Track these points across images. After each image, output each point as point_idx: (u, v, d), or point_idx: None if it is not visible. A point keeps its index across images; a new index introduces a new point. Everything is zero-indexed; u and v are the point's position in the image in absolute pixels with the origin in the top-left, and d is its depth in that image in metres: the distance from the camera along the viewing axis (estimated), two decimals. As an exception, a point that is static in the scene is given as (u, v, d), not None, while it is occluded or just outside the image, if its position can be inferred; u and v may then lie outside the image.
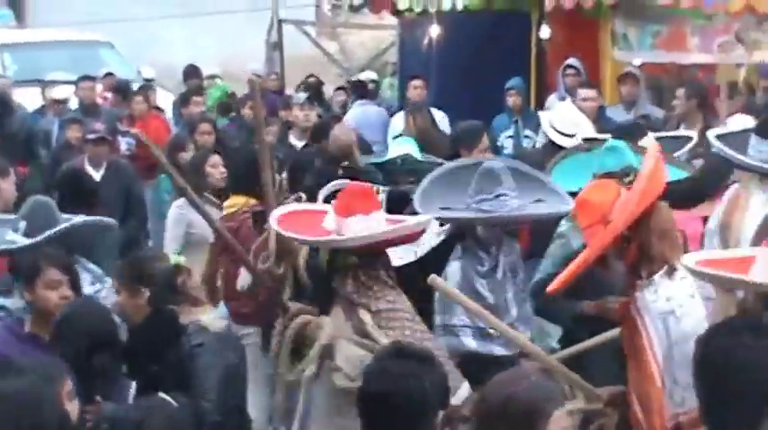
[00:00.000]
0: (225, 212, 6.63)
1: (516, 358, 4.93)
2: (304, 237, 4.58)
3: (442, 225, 5.65)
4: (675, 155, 6.81)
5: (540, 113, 8.49)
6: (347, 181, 5.34)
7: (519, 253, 5.73)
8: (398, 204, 5.83)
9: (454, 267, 5.44)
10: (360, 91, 12.85)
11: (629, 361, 4.29)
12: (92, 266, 5.40)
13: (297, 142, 10.00)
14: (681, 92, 9.56)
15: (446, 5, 11.57)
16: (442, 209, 5.52)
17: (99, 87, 13.13)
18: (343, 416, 4.37)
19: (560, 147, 7.09)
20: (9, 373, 3.12)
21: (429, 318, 5.20)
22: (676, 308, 4.14)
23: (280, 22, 17.19)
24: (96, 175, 8.98)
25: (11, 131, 11.69)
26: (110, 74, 13.96)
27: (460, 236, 5.57)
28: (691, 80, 10.40)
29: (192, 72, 14.84)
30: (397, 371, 3.18)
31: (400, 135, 8.32)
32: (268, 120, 9.84)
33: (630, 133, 6.84)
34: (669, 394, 4.08)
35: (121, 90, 12.83)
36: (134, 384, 4.45)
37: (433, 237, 5.39)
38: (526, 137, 10.35)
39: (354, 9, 13.57)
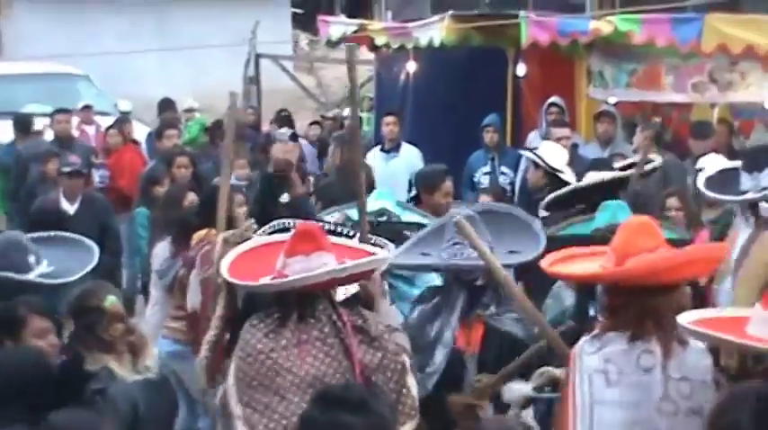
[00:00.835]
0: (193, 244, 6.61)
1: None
2: (245, 283, 4.45)
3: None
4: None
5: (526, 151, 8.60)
6: (289, 221, 5.17)
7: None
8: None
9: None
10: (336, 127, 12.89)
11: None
12: None
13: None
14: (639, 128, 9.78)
15: (423, 42, 11.62)
16: (422, 254, 5.39)
17: (75, 120, 13.10)
18: None
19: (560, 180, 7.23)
20: None
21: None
22: (611, 371, 3.82)
23: (257, 56, 17.24)
24: (70, 209, 8.97)
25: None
26: (87, 106, 13.95)
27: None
28: (644, 115, 10.51)
29: (166, 105, 14.84)
30: (327, 422, 3.01)
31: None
32: (240, 151, 9.85)
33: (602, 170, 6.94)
34: None
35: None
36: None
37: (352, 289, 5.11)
38: (503, 173, 10.39)
39: (332, 44, 13.62)
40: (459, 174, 9.67)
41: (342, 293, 4.52)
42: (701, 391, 3.81)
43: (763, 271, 5.38)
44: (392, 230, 6.13)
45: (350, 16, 19.19)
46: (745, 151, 6.66)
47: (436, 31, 11.47)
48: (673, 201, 7.33)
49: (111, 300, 4.79)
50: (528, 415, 4.73)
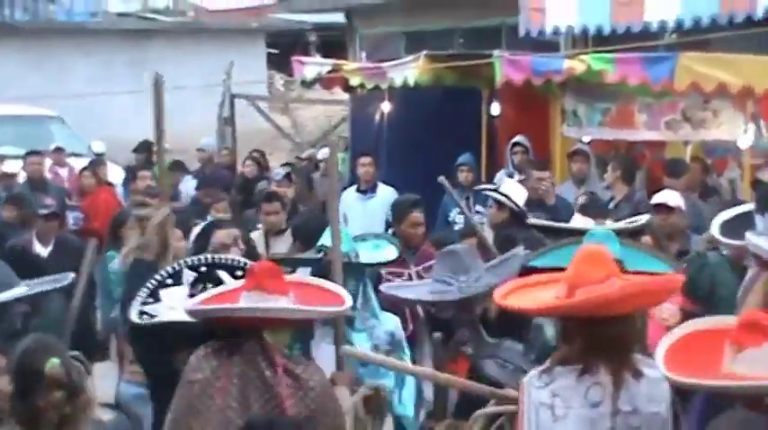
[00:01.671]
0: None
1: None
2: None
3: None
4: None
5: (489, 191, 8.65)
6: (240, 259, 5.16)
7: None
8: None
9: None
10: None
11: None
12: None
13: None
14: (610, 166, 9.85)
15: (398, 81, 11.65)
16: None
17: (48, 162, 13.05)
18: None
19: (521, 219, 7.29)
20: None
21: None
22: (558, 406, 3.74)
23: (232, 96, 17.23)
24: (44, 252, 8.89)
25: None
26: (59, 148, 13.90)
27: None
28: (617, 152, 10.51)
29: (141, 147, 14.80)
30: None
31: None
32: (218, 195, 9.82)
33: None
34: None
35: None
36: None
37: None
38: (477, 212, 10.38)
39: (307, 85, 13.63)
40: (434, 213, 9.66)
41: None
42: (652, 424, 3.75)
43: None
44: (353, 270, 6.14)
45: (325, 56, 19.27)
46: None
47: (411, 70, 11.50)
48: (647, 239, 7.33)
49: (53, 363, 4.14)
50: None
